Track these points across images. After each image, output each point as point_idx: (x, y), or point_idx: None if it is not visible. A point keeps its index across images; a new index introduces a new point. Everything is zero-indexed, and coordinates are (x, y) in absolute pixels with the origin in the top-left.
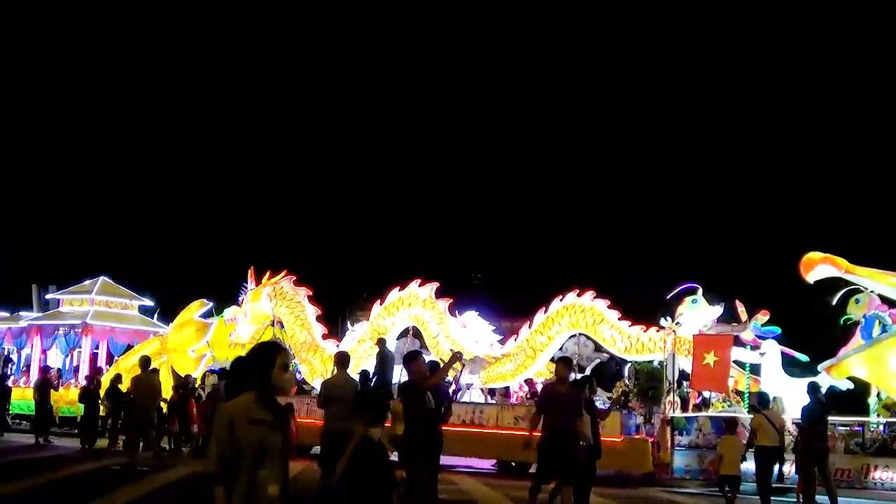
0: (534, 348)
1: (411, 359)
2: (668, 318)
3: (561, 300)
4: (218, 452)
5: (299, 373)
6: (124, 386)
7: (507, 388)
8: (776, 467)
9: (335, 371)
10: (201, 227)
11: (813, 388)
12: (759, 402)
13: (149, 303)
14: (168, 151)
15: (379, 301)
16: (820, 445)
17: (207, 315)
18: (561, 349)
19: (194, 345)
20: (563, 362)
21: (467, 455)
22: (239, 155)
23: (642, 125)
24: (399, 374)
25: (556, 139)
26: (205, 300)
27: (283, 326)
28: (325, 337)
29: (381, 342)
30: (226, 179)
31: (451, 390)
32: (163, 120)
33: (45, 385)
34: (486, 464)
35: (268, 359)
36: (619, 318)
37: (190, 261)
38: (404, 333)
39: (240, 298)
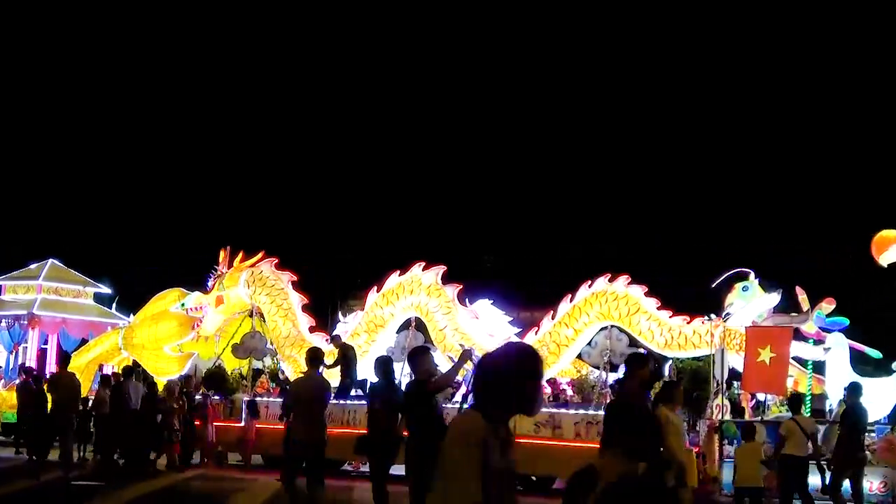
0: (558, 343)
1: (417, 355)
2: (711, 316)
3: (589, 286)
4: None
5: (282, 371)
6: (84, 389)
7: None
8: (819, 478)
9: (307, 370)
10: (167, 202)
11: (853, 390)
12: (791, 406)
13: (106, 290)
14: (127, 117)
15: (375, 288)
16: (861, 455)
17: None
18: (590, 344)
19: (174, 341)
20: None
21: None
22: (212, 122)
23: (688, 94)
24: (399, 373)
25: (588, 106)
26: (182, 289)
27: (262, 317)
28: (312, 330)
29: (341, 344)
30: (195, 148)
31: (461, 393)
32: (123, 87)
33: None
34: None
35: (532, 370)
36: (657, 308)
37: (154, 242)
38: (406, 326)
39: (208, 284)
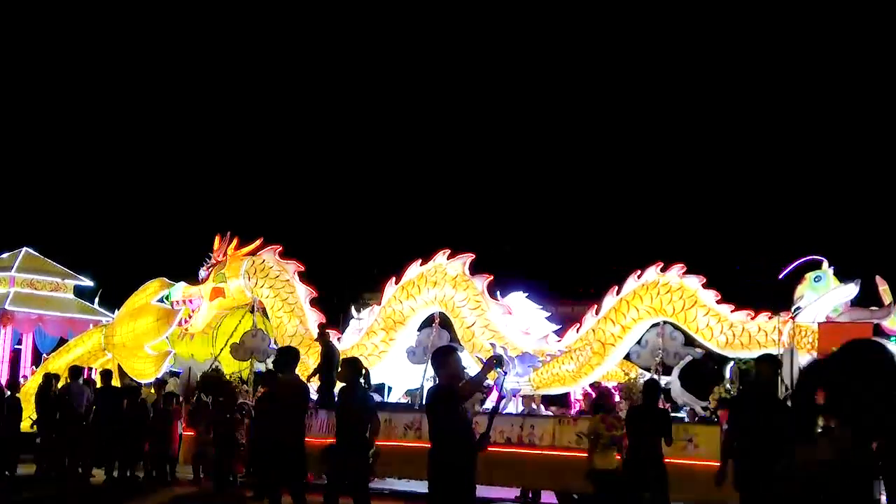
0: (602, 341)
1: (442, 356)
2: (779, 311)
3: (639, 277)
4: None
5: None
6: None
7: (566, 395)
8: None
9: (283, 372)
10: (156, 182)
11: None
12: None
13: (87, 282)
14: (109, 92)
15: (394, 279)
16: None
17: (162, 298)
18: (639, 343)
19: (154, 338)
20: (768, 362)
21: (513, 484)
22: (204, 95)
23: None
24: (423, 376)
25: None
26: (165, 279)
27: (265, 314)
28: (322, 326)
29: (322, 332)
30: (187, 124)
31: (492, 399)
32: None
33: None
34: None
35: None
36: (717, 301)
37: (142, 227)
38: (428, 322)
39: (201, 274)
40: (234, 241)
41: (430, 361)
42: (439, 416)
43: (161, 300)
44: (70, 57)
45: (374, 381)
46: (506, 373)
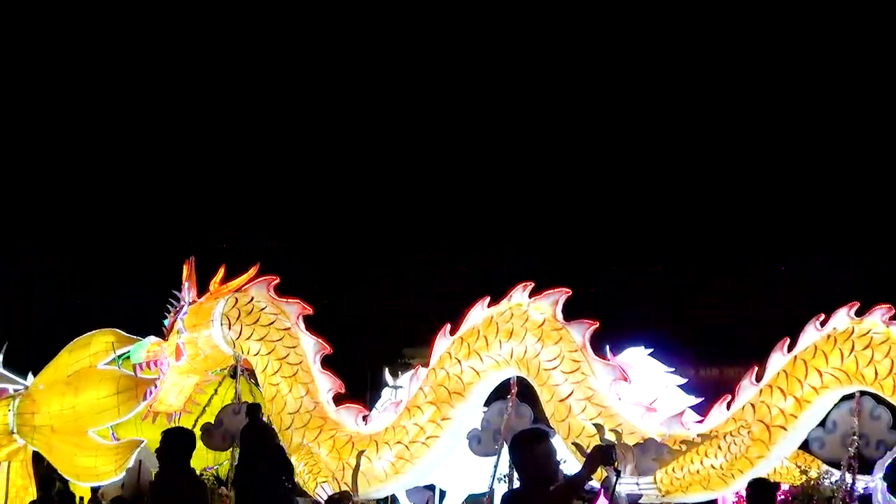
0: (766, 423)
1: (527, 443)
2: None
3: (822, 325)
4: None
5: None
6: None
7: None
8: None
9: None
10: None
11: None
12: None
13: None
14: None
15: (447, 328)
16: None
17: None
18: (823, 424)
19: (109, 420)
20: None
21: None
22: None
23: None
24: (493, 475)
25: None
26: (119, 330)
27: (252, 379)
28: (340, 401)
29: (252, 409)
30: (142, 122)
31: None
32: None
33: None
34: None
35: None
36: None
37: (68, 249)
38: (501, 393)
39: (166, 321)
40: (221, 271)
41: (505, 452)
42: None
43: (114, 362)
44: None
45: (421, 479)
46: (619, 472)
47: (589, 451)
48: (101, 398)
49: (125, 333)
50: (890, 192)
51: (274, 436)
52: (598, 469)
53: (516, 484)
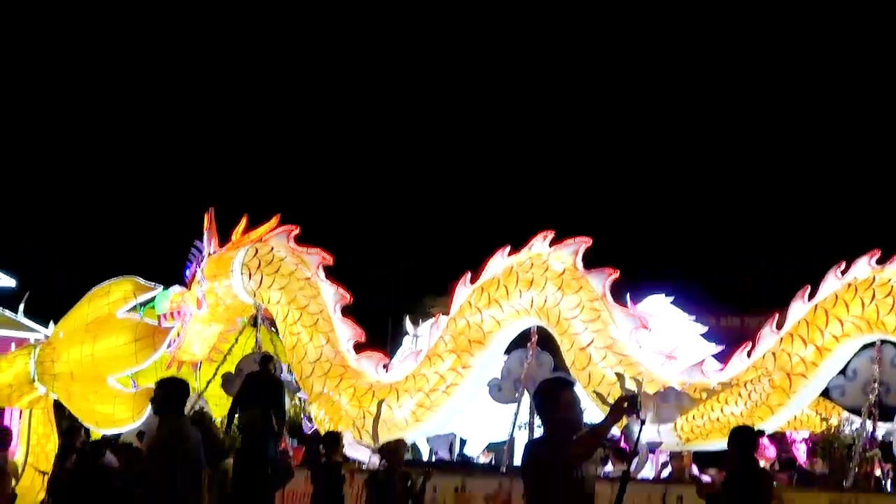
0: (787, 371)
1: (551, 391)
2: None
3: (843, 273)
4: None
5: (309, 421)
6: None
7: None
8: None
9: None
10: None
11: None
12: None
13: (7, 282)
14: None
15: (468, 277)
16: None
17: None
18: (844, 373)
19: (127, 367)
20: None
21: None
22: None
23: None
24: (513, 423)
25: None
26: (139, 280)
27: (273, 327)
28: (360, 348)
29: (263, 359)
30: (160, 71)
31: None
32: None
33: None
34: None
35: None
36: None
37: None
38: (521, 341)
39: (188, 271)
40: (243, 221)
41: (525, 400)
42: (543, 485)
43: (133, 310)
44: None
45: (441, 428)
46: (643, 421)
47: (611, 400)
48: (119, 346)
49: (144, 281)
50: None
51: (279, 387)
52: (622, 418)
53: (537, 432)
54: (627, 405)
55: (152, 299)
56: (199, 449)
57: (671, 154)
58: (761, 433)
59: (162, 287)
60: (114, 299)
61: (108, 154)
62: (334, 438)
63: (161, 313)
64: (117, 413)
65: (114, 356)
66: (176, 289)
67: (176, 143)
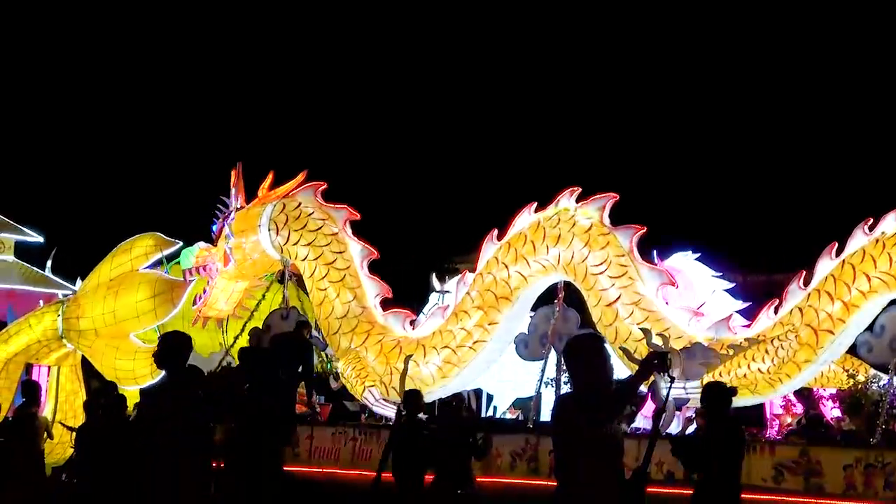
0: (814, 327)
1: (582, 347)
2: None
3: (870, 229)
4: None
5: (336, 378)
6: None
7: (759, 409)
8: None
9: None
10: (137, 98)
11: None
12: None
13: (36, 238)
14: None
15: (494, 234)
16: None
17: (157, 264)
18: (871, 329)
19: (148, 324)
20: None
21: None
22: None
23: None
24: (540, 379)
25: None
26: (161, 235)
27: (301, 284)
28: (388, 306)
29: (299, 325)
30: (180, 23)
31: (649, 416)
32: None
33: None
34: None
35: None
36: None
37: (115, 162)
38: (548, 298)
39: (215, 227)
40: (270, 177)
41: (552, 357)
42: (572, 441)
43: (156, 266)
44: None
45: (468, 384)
46: (673, 378)
47: (638, 356)
48: (139, 301)
49: (165, 237)
50: None
51: (308, 350)
52: (651, 375)
53: (563, 388)
54: (657, 362)
55: (178, 255)
56: (197, 406)
57: (699, 111)
58: (734, 391)
59: (182, 243)
60: (136, 255)
61: (135, 110)
62: (414, 396)
63: (185, 269)
64: (137, 369)
65: (134, 312)
66: (201, 244)
67: (201, 100)
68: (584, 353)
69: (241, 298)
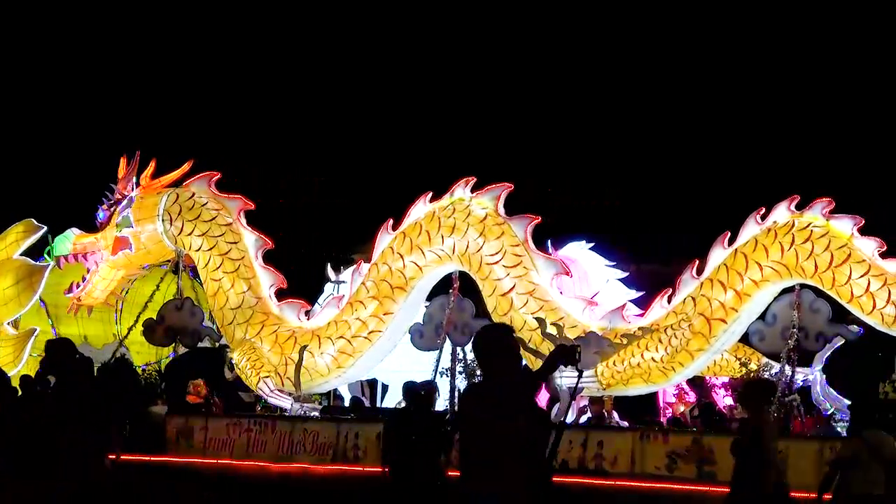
0: (707, 316)
1: (496, 335)
2: None
3: (763, 219)
4: None
5: (231, 368)
6: None
7: (652, 398)
8: None
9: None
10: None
11: None
12: (856, 416)
13: None
14: None
15: (389, 224)
16: None
17: (39, 251)
18: (763, 318)
19: (16, 311)
20: None
21: None
22: None
23: None
24: (434, 368)
25: None
26: (34, 221)
27: (195, 275)
28: (282, 296)
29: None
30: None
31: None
32: None
33: None
34: None
35: None
36: (882, 255)
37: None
38: (442, 287)
39: (99, 215)
40: (151, 165)
41: (451, 347)
42: (481, 434)
43: (30, 254)
44: None
45: (363, 374)
46: (581, 371)
47: (535, 346)
48: (4, 289)
49: (36, 222)
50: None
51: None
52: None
53: (458, 378)
54: (565, 354)
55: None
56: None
57: (592, 99)
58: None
59: (45, 227)
60: (9, 242)
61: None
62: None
63: (60, 255)
64: (3, 357)
65: (3, 300)
66: (75, 230)
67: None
68: (494, 344)
69: (115, 287)
